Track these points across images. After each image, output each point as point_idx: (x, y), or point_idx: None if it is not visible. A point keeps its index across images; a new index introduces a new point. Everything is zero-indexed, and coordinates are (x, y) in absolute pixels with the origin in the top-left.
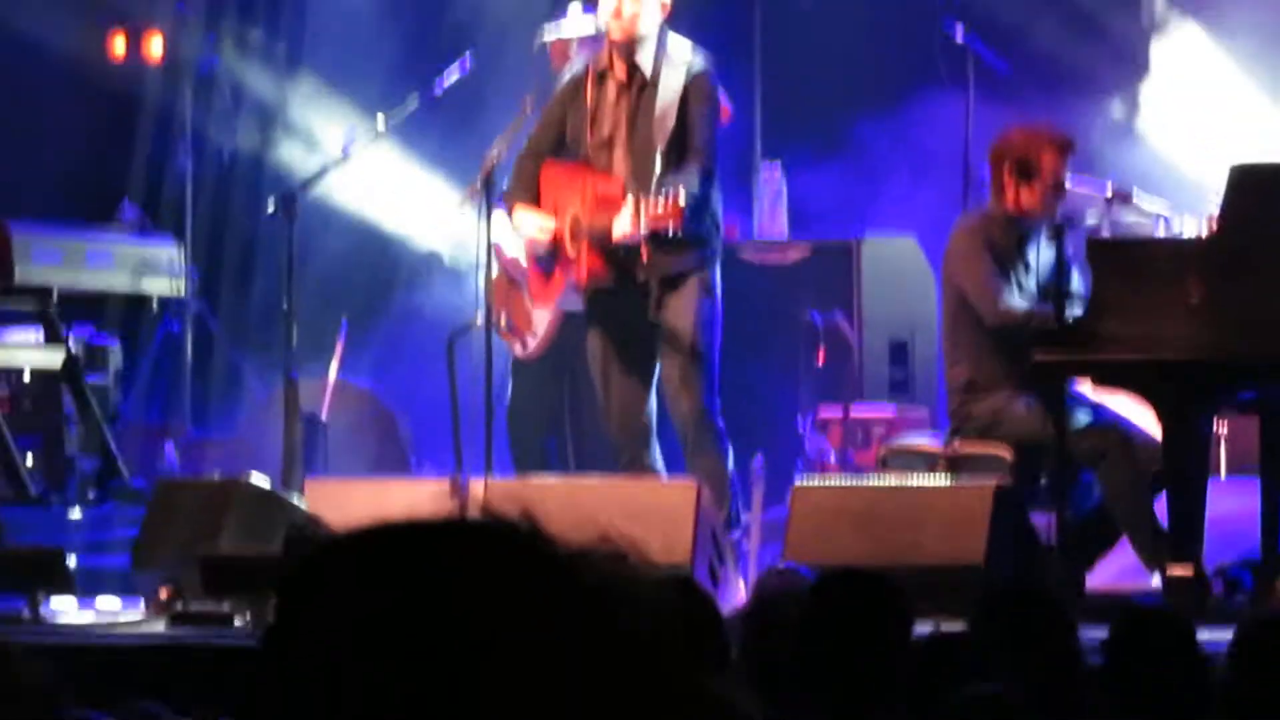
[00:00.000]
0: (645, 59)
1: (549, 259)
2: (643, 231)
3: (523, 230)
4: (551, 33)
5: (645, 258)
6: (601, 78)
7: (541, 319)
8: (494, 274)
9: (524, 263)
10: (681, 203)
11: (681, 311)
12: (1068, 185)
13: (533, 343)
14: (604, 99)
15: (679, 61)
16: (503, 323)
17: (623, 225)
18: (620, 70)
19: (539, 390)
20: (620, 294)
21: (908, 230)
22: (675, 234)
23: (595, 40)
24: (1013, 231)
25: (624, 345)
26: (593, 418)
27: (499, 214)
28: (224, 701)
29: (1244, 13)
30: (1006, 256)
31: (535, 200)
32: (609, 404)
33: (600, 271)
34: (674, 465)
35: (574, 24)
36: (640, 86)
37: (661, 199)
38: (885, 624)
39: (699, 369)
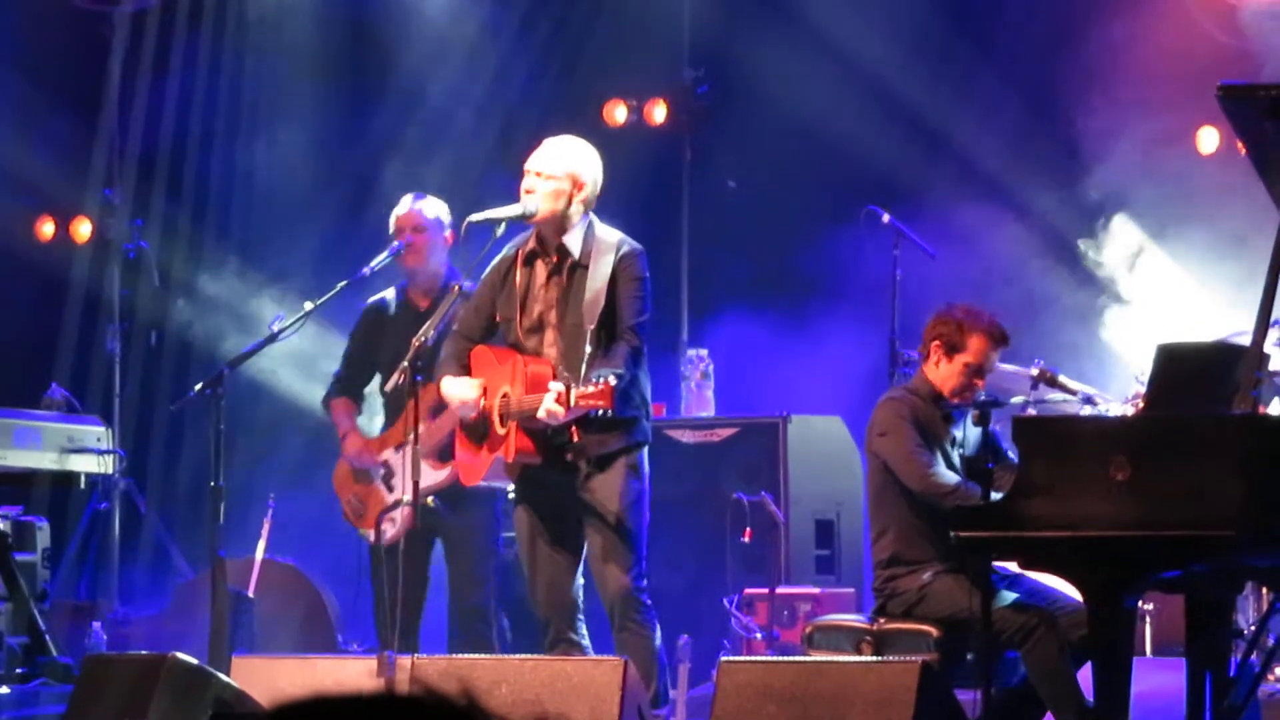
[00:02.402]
0: (574, 241)
1: (478, 435)
2: (571, 415)
3: (452, 397)
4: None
5: (575, 438)
6: (530, 260)
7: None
8: (339, 464)
9: (370, 454)
10: (613, 383)
11: (609, 492)
12: (988, 373)
13: (390, 530)
14: (534, 281)
15: (609, 244)
16: (350, 511)
17: (551, 409)
18: (549, 252)
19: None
20: (549, 472)
21: (833, 410)
22: (606, 414)
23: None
24: (937, 408)
25: (551, 522)
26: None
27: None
28: None
29: (1158, 198)
30: (932, 431)
31: (464, 374)
32: (535, 580)
33: (529, 450)
34: (602, 642)
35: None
36: (570, 268)
37: (592, 384)
38: None
39: (627, 548)
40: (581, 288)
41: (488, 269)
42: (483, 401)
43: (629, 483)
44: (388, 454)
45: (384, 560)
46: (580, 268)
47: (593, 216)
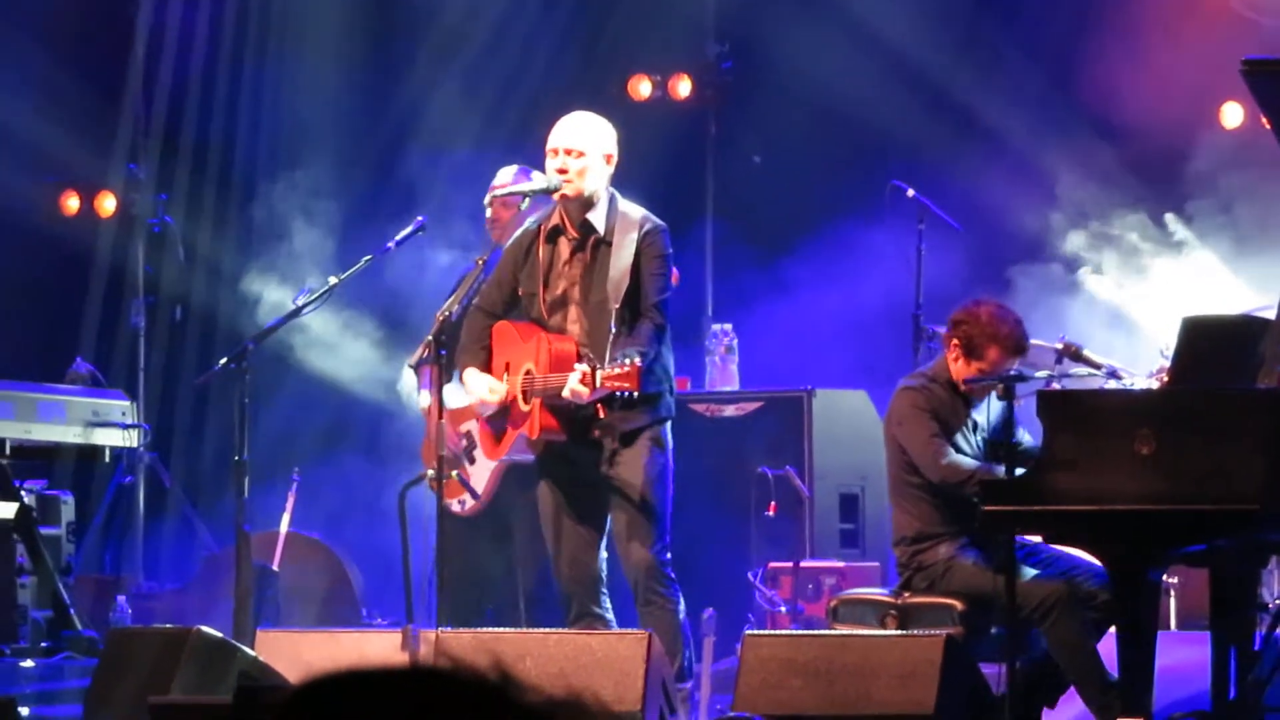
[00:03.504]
0: (598, 218)
1: (499, 417)
2: (596, 395)
3: (472, 391)
4: (499, 190)
5: (601, 414)
6: (552, 236)
7: (482, 474)
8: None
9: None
10: (639, 364)
11: (633, 467)
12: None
13: (470, 499)
14: (557, 258)
15: (633, 221)
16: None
17: (576, 389)
18: (572, 229)
19: (474, 550)
20: (573, 447)
21: (858, 384)
22: (632, 396)
23: (544, 199)
24: (956, 394)
25: (575, 497)
26: (531, 572)
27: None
28: None
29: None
30: (951, 415)
31: (486, 357)
32: (559, 555)
33: (554, 427)
34: (627, 617)
35: (522, 183)
36: (594, 245)
37: (618, 365)
38: None
39: (650, 524)
40: (605, 265)
41: (509, 243)
42: (501, 396)
43: (653, 458)
44: (469, 425)
45: (446, 532)
46: (604, 244)
47: (614, 192)
